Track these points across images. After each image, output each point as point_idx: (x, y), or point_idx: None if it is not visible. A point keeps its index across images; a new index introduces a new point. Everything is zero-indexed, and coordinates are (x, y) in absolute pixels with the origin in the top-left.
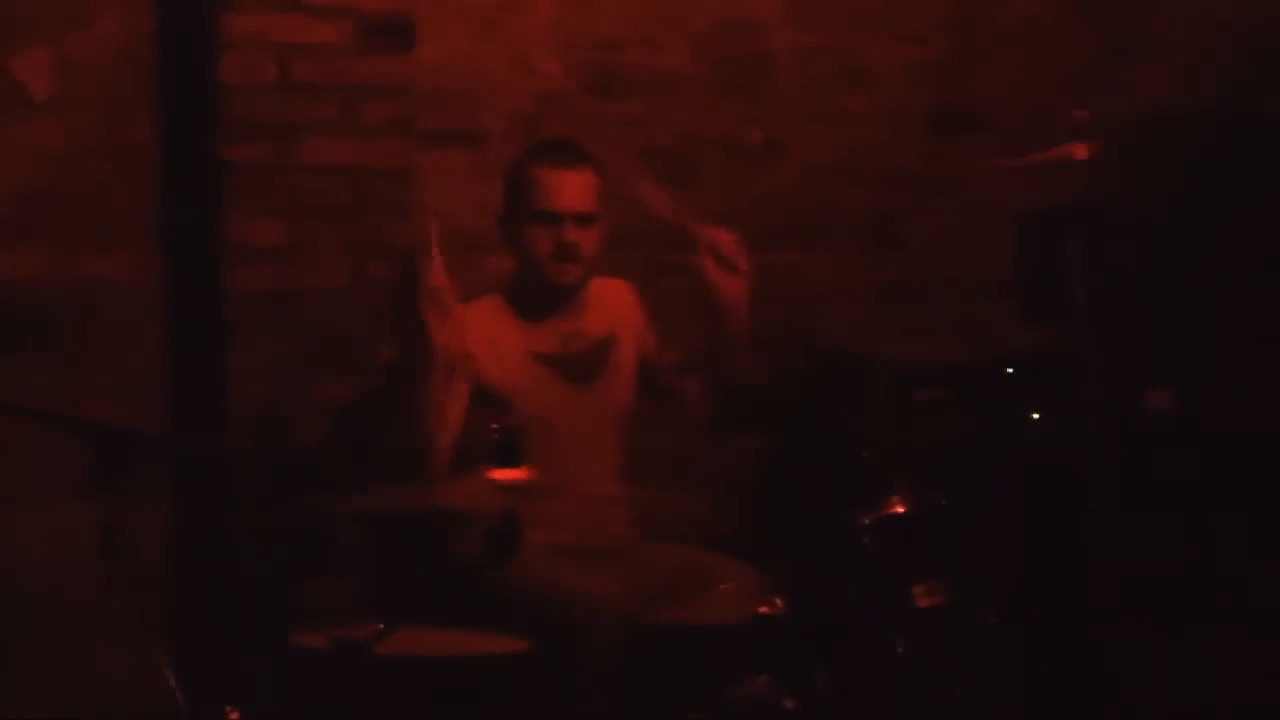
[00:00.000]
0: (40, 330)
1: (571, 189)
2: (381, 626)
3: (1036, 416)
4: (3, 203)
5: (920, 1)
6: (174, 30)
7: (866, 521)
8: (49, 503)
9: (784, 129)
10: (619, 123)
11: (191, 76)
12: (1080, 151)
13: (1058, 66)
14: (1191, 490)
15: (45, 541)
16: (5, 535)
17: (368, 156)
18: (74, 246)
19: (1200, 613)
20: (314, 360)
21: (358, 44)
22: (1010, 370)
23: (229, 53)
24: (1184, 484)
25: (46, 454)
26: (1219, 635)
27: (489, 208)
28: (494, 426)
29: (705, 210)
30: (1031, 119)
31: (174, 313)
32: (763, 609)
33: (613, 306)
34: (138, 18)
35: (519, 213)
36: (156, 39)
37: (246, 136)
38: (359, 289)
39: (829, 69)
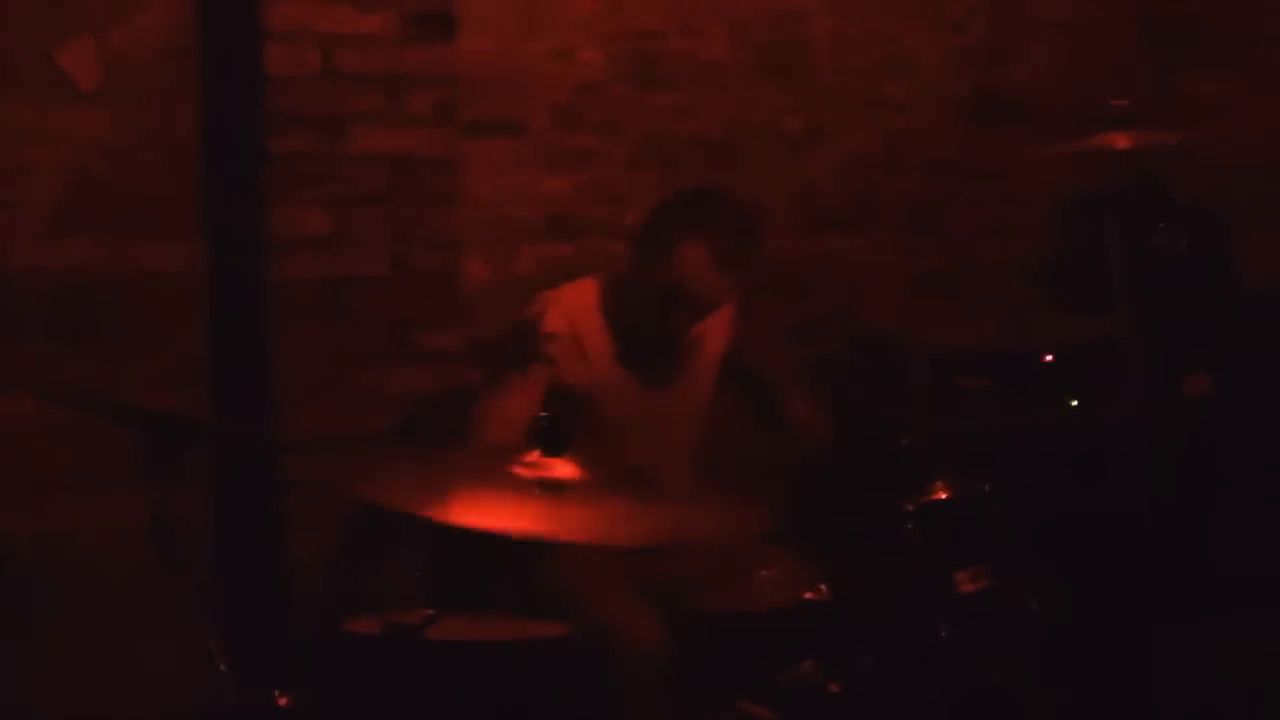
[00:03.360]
0: (88, 319)
1: (711, 287)
2: (432, 612)
3: (1076, 403)
4: (50, 193)
5: None
6: (218, 20)
7: (910, 508)
8: (98, 489)
9: (824, 117)
10: (660, 112)
11: (236, 67)
12: (1120, 140)
13: (1097, 54)
14: (1229, 476)
15: (94, 528)
16: (55, 522)
17: (411, 145)
18: (120, 236)
19: (1239, 599)
20: (359, 347)
21: (401, 34)
22: (1050, 357)
23: (273, 43)
24: (1222, 470)
25: (95, 441)
26: (1258, 621)
27: (531, 198)
28: (541, 414)
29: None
30: (1071, 107)
31: (220, 301)
32: (808, 594)
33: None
34: (182, 8)
35: (657, 259)
36: (201, 29)
37: (291, 126)
38: (402, 277)
39: (868, 57)
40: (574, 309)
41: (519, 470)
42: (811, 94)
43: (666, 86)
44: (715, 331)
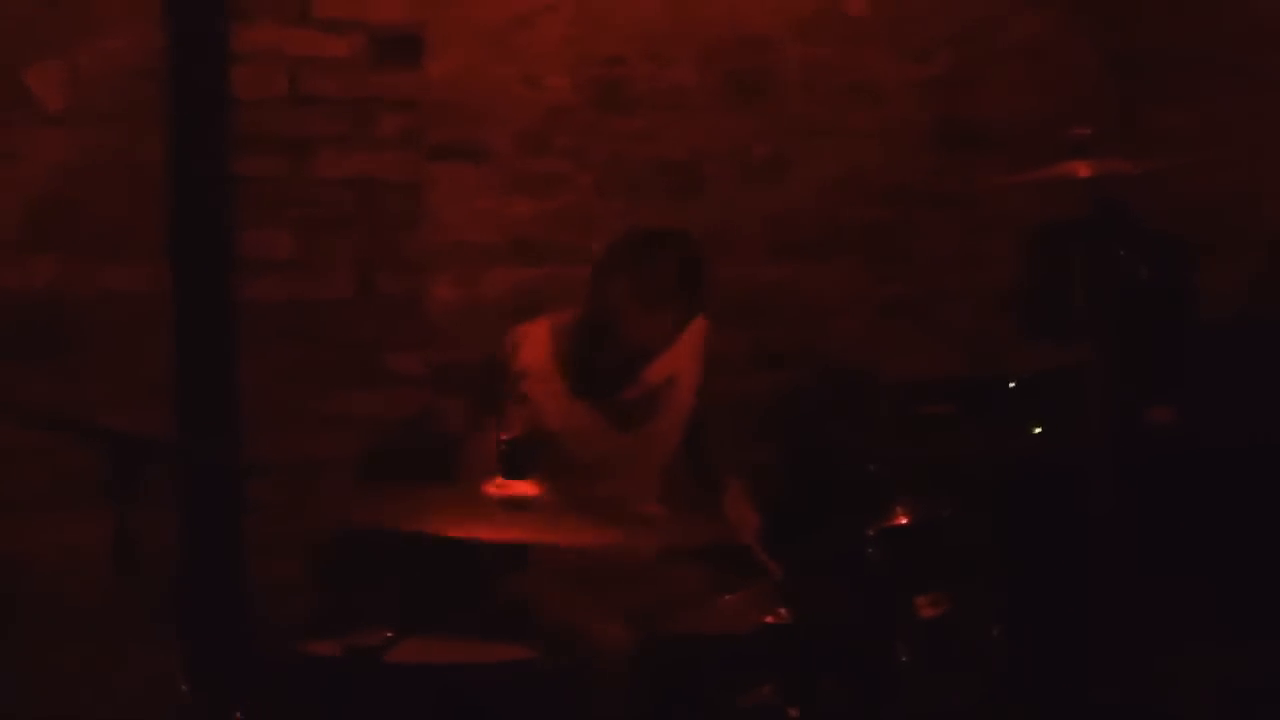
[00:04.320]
0: (53, 340)
1: (645, 326)
2: (392, 634)
3: (1039, 431)
4: (16, 214)
5: (925, 18)
6: (186, 43)
7: (871, 533)
8: (61, 511)
9: (790, 144)
10: (627, 137)
11: (203, 89)
12: (1083, 168)
13: (1062, 83)
14: (1192, 504)
15: (57, 549)
16: (18, 544)
17: (378, 169)
18: (87, 257)
19: (1200, 623)
20: (324, 369)
21: (368, 58)
22: (1014, 385)
23: (241, 66)
24: (1185, 498)
25: (58, 462)
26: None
27: (497, 222)
28: (503, 437)
29: (712, 224)
30: (1035, 135)
31: (185, 323)
32: (768, 618)
33: (680, 346)
34: (150, 31)
35: (593, 296)
36: (168, 52)
37: (258, 149)
38: (368, 300)
39: (835, 85)
40: (546, 348)
41: (486, 490)
42: (778, 121)
43: (634, 112)
44: (688, 376)
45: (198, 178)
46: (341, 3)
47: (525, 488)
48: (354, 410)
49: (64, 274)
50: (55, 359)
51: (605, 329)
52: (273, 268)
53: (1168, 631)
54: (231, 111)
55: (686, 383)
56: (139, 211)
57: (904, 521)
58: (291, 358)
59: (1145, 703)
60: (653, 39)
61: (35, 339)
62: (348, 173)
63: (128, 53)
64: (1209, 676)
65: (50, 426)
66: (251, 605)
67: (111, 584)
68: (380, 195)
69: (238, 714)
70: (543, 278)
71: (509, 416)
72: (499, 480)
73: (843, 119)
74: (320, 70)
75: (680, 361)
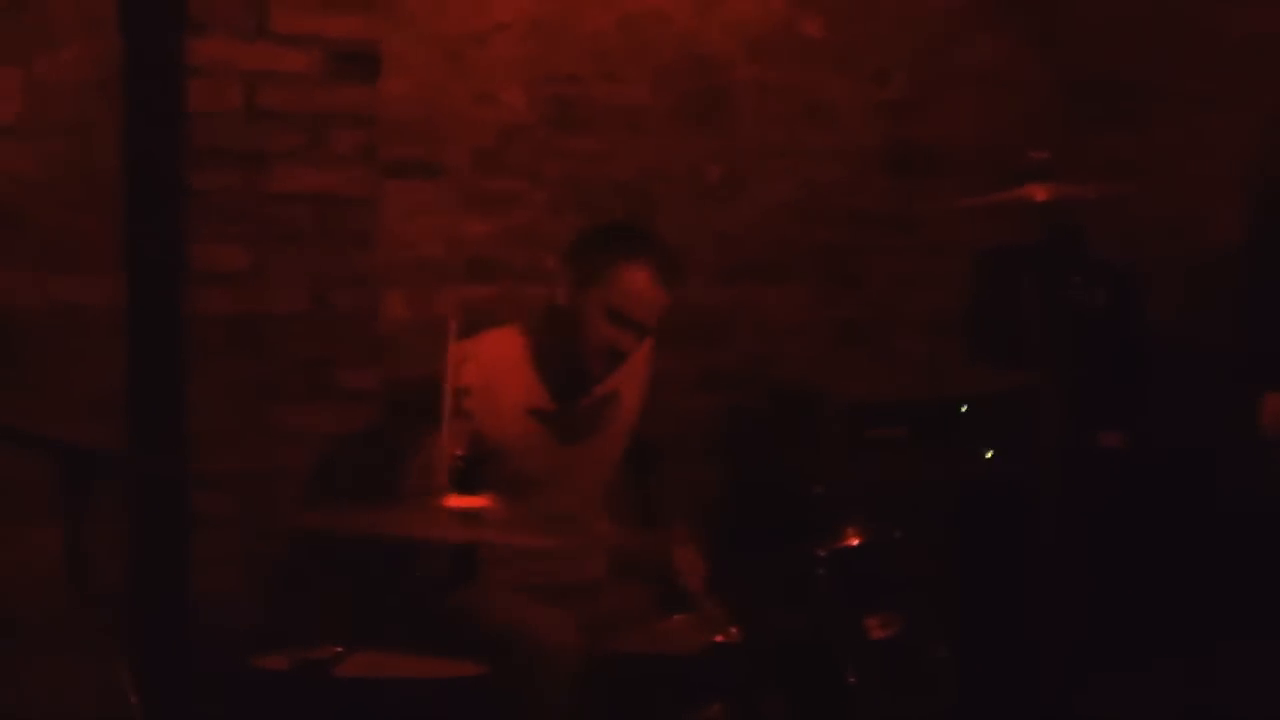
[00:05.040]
0: (4, 350)
1: (654, 306)
2: (341, 649)
3: (991, 454)
4: None
5: (881, 40)
6: (141, 56)
7: (821, 554)
8: (10, 525)
9: (744, 165)
10: (581, 156)
11: (158, 102)
12: (1038, 192)
13: (1016, 108)
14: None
15: (7, 563)
16: None
17: (333, 184)
18: (39, 268)
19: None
20: (276, 384)
21: (324, 73)
22: (965, 408)
23: (196, 79)
24: (1133, 519)
25: (7, 475)
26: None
27: (450, 239)
28: (457, 454)
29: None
30: (990, 159)
31: (137, 335)
32: (718, 638)
33: (625, 362)
34: (105, 42)
35: (590, 290)
36: (124, 64)
37: (212, 163)
38: (321, 315)
39: (789, 106)
40: (494, 360)
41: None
42: (732, 142)
43: (588, 131)
44: (630, 394)
45: (151, 190)
46: (298, 17)
47: (476, 501)
48: (306, 425)
49: (16, 285)
50: (6, 370)
51: (617, 312)
52: (225, 281)
53: (1115, 651)
54: (186, 124)
55: (629, 401)
56: (92, 223)
57: (854, 543)
58: (243, 371)
59: None
60: (607, 58)
61: None
62: (303, 187)
63: (83, 64)
64: (1158, 695)
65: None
66: (201, 618)
67: (61, 597)
68: (335, 211)
69: None
70: (496, 295)
71: (451, 433)
72: (450, 496)
73: (797, 140)
74: (276, 84)
75: (624, 377)
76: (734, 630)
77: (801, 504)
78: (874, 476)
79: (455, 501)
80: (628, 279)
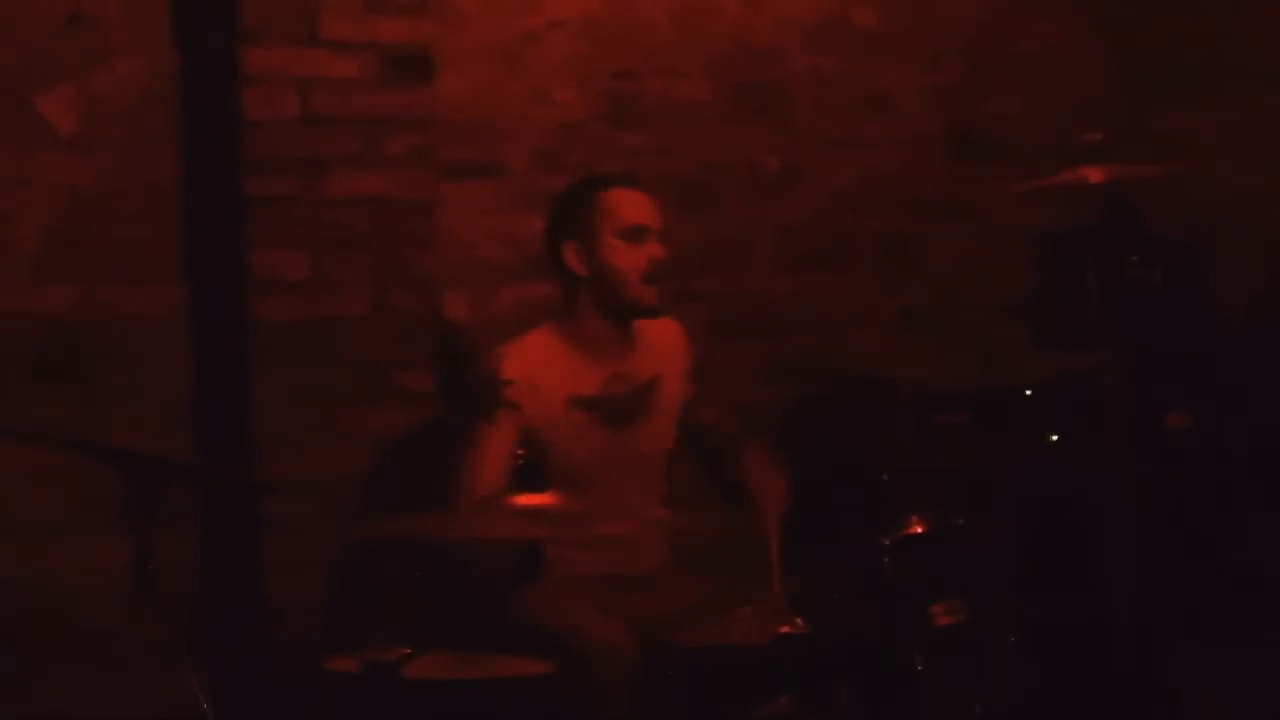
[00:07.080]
0: (72, 363)
1: (648, 205)
2: (410, 650)
3: (1055, 439)
4: (31, 239)
5: (936, 26)
6: (197, 67)
7: (887, 542)
8: (81, 533)
9: (801, 155)
10: (638, 152)
11: (215, 112)
12: (1095, 174)
13: (1073, 89)
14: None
15: (77, 571)
16: (38, 566)
17: (390, 188)
18: (102, 281)
19: (1223, 629)
20: (340, 388)
21: (378, 77)
22: (1029, 393)
23: (251, 88)
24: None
25: (77, 485)
26: (1240, 654)
27: (510, 239)
28: (520, 453)
29: (725, 237)
30: (1047, 142)
31: (202, 344)
32: (785, 629)
33: (661, 346)
34: (161, 55)
35: (593, 237)
36: (180, 75)
37: (270, 170)
38: (382, 318)
39: (846, 95)
40: (531, 356)
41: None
42: (789, 133)
43: (644, 127)
44: (672, 378)
45: (211, 200)
46: (350, 23)
47: (539, 498)
48: (369, 427)
49: (81, 298)
50: (74, 382)
51: (628, 297)
52: (287, 287)
53: (1184, 636)
54: (243, 134)
55: (670, 385)
56: (154, 235)
57: (919, 530)
58: (307, 376)
59: (1163, 708)
60: (662, 53)
61: (54, 363)
62: (360, 192)
63: (139, 77)
64: (1225, 679)
65: (70, 448)
66: (270, 623)
67: (131, 604)
68: (393, 214)
69: None
70: (554, 294)
71: (501, 430)
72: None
73: (854, 129)
74: (331, 90)
75: (662, 361)
76: (800, 621)
77: (868, 492)
78: (939, 463)
79: (519, 500)
80: (613, 199)
